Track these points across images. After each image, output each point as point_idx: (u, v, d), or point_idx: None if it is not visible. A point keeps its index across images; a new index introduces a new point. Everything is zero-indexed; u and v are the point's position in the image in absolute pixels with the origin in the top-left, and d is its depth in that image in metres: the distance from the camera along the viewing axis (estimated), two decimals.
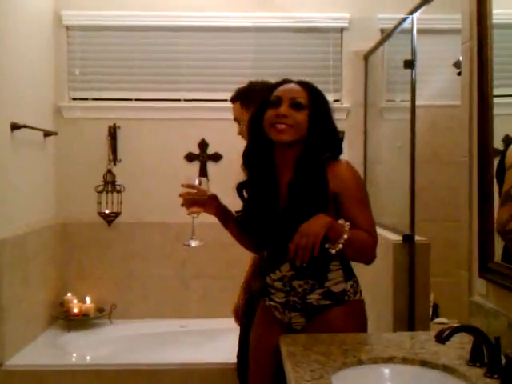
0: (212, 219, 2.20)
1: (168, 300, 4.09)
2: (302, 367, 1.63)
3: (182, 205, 2.10)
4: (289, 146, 2.05)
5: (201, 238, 2.18)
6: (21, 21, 3.44)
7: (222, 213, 2.18)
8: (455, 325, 1.59)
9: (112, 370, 3.15)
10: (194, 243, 2.18)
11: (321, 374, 1.57)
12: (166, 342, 3.74)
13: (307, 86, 2.09)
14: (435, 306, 3.70)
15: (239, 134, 2.67)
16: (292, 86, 2.08)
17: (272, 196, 2.10)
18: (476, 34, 1.96)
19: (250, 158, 2.15)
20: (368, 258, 2.04)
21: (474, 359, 1.64)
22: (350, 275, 2.09)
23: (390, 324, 3.03)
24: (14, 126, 3.28)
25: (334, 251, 1.91)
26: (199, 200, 2.09)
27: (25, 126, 3.34)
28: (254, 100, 2.30)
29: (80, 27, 4.09)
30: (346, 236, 1.90)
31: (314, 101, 2.06)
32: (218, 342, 3.71)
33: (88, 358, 3.49)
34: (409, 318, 2.99)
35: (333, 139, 2.10)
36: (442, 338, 1.55)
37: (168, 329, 3.92)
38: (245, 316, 2.67)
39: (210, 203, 2.12)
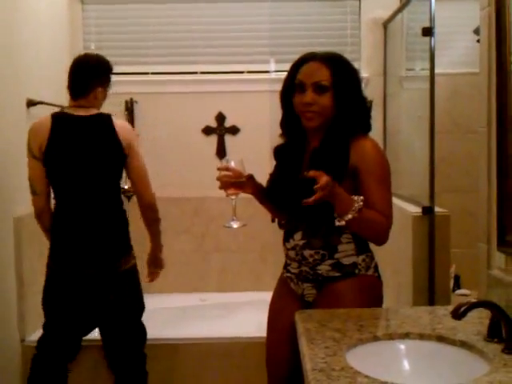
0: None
1: (188, 274, 4.11)
2: (317, 344, 1.61)
3: (221, 188, 2.11)
4: None
5: (243, 222, 2.24)
6: None
7: (258, 191, 2.20)
8: (472, 300, 1.56)
9: None
10: (235, 224, 2.23)
11: (335, 351, 1.56)
12: (186, 315, 3.76)
13: (330, 62, 2.06)
14: (457, 278, 3.68)
15: None
16: (314, 65, 2.06)
17: (296, 163, 2.13)
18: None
19: (284, 128, 2.22)
20: (377, 240, 2.04)
21: (492, 335, 1.60)
22: (362, 249, 2.08)
23: (409, 296, 3.02)
24: (30, 103, 3.27)
25: (336, 223, 1.90)
26: (237, 182, 2.10)
27: (41, 103, 3.33)
28: None
29: (95, 1, 4.07)
30: (350, 216, 1.88)
31: (338, 78, 2.04)
32: (239, 315, 3.73)
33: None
34: (429, 290, 2.97)
35: (361, 112, 2.10)
36: (458, 314, 1.53)
37: (188, 303, 3.94)
38: None
39: (248, 184, 2.13)
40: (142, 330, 2.88)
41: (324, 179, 1.81)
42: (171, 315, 3.78)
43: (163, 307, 3.88)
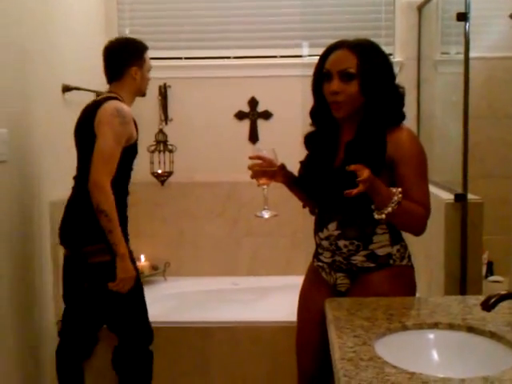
0: None
1: (220, 258, 4.15)
2: (346, 333, 1.63)
3: (252, 177, 2.13)
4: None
5: (275, 212, 2.23)
6: None
7: (289, 180, 2.22)
8: (502, 292, 1.56)
9: (166, 328, 3.22)
10: (266, 214, 2.23)
11: (364, 340, 1.57)
12: (218, 299, 3.80)
13: (357, 49, 2.03)
14: (490, 264, 3.65)
15: None
16: (341, 53, 2.04)
17: (329, 154, 2.14)
18: None
19: (315, 117, 2.21)
20: (416, 231, 2.04)
21: None
22: (396, 239, 2.08)
23: (441, 283, 3.01)
24: (66, 88, 3.32)
25: (376, 217, 1.91)
26: (268, 171, 2.11)
27: (76, 88, 3.38)
28: None
29: None
30: (390, 209, 1.89)
31: (365, 65, 2.01)
32: (270, 299, 3.76)
33: None
34: (461, 277, 2.96)
35: (392, 100, 2.07)
36: (488, 306, 1.53)
37: (220, 286, 3.98)
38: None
39: (279, 173, 2.15)
40: (138, 329, 2.83)
41: (366, 172, 1.82)
42: (204, 298, 3.83)
43: (195, 290, 3.93)
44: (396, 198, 1.90)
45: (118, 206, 2.61)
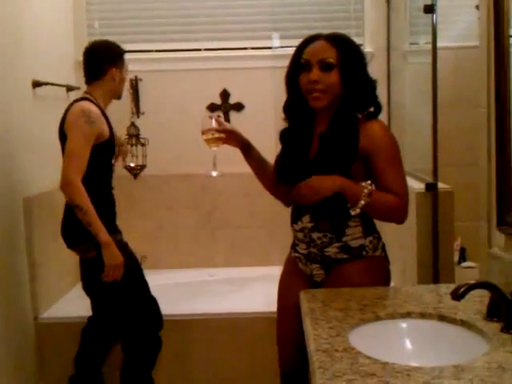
0: (238, 169, 2.42)
1: (197, 250, 4.16)
2: (320, 324, 1.66)
3: (204, 139, 2.27)
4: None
5: (222, 172, 2.35)
6: None
7: (243, 146, 2.31)
8: (471, 282, 1.60)
9: None
10: (214, 173, 2.35)
11: (338, 331, 1.60)
12: (195, 291, 3.81)
13: (336, 41, 2.08)
14: (462, 250, 3.72)
15: None
16: (320, 44, 2.08)
17: (304, 146, 2.17)
18: None
19: (289, 111, 2.23)
20: (396, 219, 2.10)
21: (492, 314, 1.65)
22: (369, 231, 2.12)
23: (414, 271, 3.06)
24: (36, 84, 3.30)
25: (353, 213, 1.96)
26: (220, 138, 2.27)
27: (46, 84, 3.36)
28: None
29: None
30: (363, 202, 1.94)
31: (344, 56, 2.06)
32: (247, 290, 3.78)
33: None
34: (433, 265, 3.01)
35: (368, 93, 2.12)
36: (457, 296, 1.57)
37: (197, 278, 3.99)
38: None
39: (230, 137, 2.27)
40: (142, 314, 2.93)
41: (305, 187, 1.99)
42: (180, 291, 3.83)
43: (172, 283, 3.94)
44: (366, 190, 1.96)
45: (100, 202, 2.72)
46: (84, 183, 2.64)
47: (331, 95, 2.06)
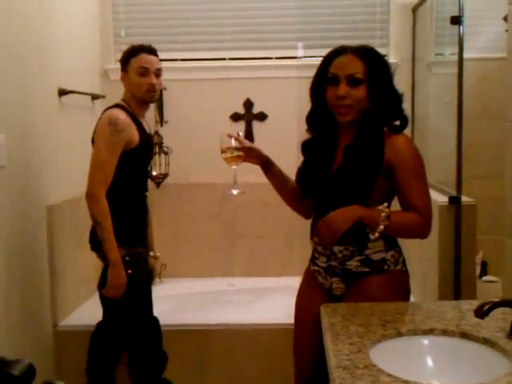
0: (259, 180, 2.38)
1: (216, 259, 4.16)
2: (341, 340, 1.64)
3: (224, 157, 2.29)
4: None
5: (243, 190, 2.36)
6: None
7: (263, 163, 2.30)
8: (495, 300, 1.58)
9: (163, 330, 3.23)
10: (235, 191, 2.34)
11: (359, 347, 1.59)
12: (215, 300, 3.81)
13: (364, 55, 2.07)
14: (484, 264, 3.68)
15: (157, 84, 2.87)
16: (348, 58, 2.06)
17: (327, 158, 2.16)
18: None
19: (312, 122, 2.22)
20: (418, 236, 2.09)
21: None
22: (391, 245, 2.10)
23: (435, 285, 3.04)
24: (62, 92, 3.33)
25: (372, 237, 1.96)
26: (239, 156, 2.27)
27: (72, 92, 3.39)
28: None
29: None
30: (381, 227, 1.94)
31: (372, 71, 2.05)
32: (266, 301, 3.77)
33: None
34: (455, 279, 2.99)
35: (394, 106, 2.11)
36: (481, 313, 1.55)
37: (217, 287, 3.99)
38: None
39: (249, 153, 2.26)
40: (142, 329, 2.90)
41: (319, 229, 2.01)
42: (199, 300, 3.83)
43: (191, 292, 3.95)
44: (383, 214, 1.96)
45: (127, 211, 2.76)
46: (112, 191, 2.67)
47: (358, 110, 2.05)
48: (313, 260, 2.27)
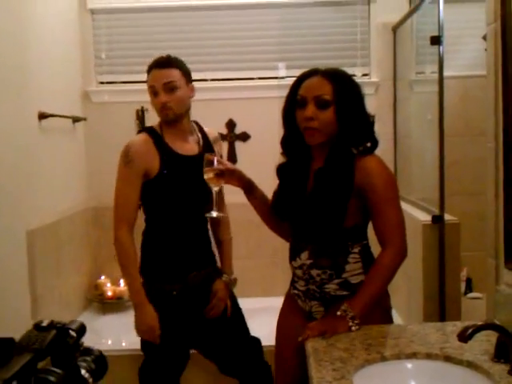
0: (244, 199, 2.31)
1: None
2: (324, 366, 1.63)
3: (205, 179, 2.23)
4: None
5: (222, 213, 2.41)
6: (45, 7, 3.44)
7: (245, 185, 2.26)
8: (478, 323, 1.57)
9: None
10: (215, 214, 2.30)
11: (342, 373, 1.57)
12: None
13: (332, 77, 2.04)
14: (469, 281, 3.68)
15: (170, 101, 2.54)
16: (316, 80, 2.04)
17: (301, 182, 2.13)
18: (500, 17, 1.89)
19: (286, 146, 2.21)
20: (398, 266, 2.06)
21: (499, 355, 1.61)
22: (369, 267, 2.08)
23: (420, 303, 3.03)
24: (42, 116, 3.29)
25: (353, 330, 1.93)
26: (219, 173, 2.21)
27: (53, 115, 3.36)
28: None
29: (104, 10, 4.09)
30: (355, 327, 1.91)
31: (340, 93, 2.02)
32: (251, 321, 3.73)
33: (124, 343, 3.55)
34: (439, 296, 2.99)
35: (364, 128, 2.08)
36: (464, 337, 1.54)
37: None
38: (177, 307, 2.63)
39: (230, 176, 2.22)
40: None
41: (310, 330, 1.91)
42: None
43: None
44: (348, 316, 1.93)
45: (158, 244, 2.62)
46: (147, 225, 2.60)
47: (326, 132, 2.02)
48: (292, 284, 2.24)
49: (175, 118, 2.57)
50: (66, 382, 0.97)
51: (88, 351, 1.10)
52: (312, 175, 2.11)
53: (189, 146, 2.63)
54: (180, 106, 2.57)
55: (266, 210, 2.28)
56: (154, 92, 2.54)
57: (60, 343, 1.00)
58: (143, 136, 2.57)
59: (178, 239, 2.61)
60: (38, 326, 1.03)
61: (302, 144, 2.11)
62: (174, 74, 2.56)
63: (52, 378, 0.94)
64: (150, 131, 2.59)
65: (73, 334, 1.04)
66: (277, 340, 2.30)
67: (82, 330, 1.07)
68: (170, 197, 2.56)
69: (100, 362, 1.11)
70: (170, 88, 2.53)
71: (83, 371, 1.04)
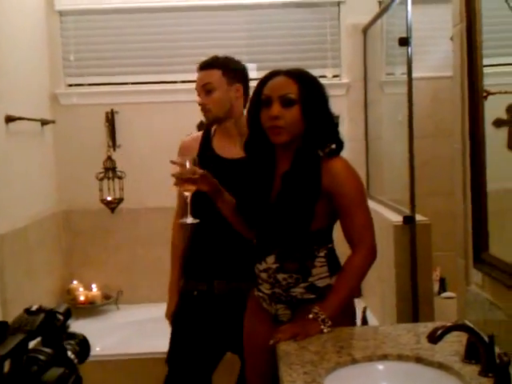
0: None
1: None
2: (295, 369, 1.62)
3: (175, 184, 2.16)
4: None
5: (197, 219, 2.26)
6: (12, 8, 3.39)
7: (214, 189, 2.19)
8: (448, 324, 1.57)
9: (120, 360, 3.17)
10: (189, 220, 2.25)
11: (313, 377, 1.56)
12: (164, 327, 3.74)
13: (297, 77, 2.03)
14: (442, 280, 3.70)
15: (207, 103, 2.53)
16: (280, 79, 2.03)
17: (265, 186, 2.10)
18: (465, 18, 1.90)
19: (250, 149, 2.17)
20: (369, 268, 2.06)
21: (470, 356, 1.62)
22: (335, 270, 2.07)
23: (393, 303, 3.04)
24: (9, 119, 3.24)
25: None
26: (191, 178, 2.12)
27: (20, 118, 3.31)
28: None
29: (72, 12, 4.03)
30: (327, 329, 1.91)
31: (305, 92, 2.01)
32: None
33: (98, 348, 3.50)
34: (412, 296, 3.00)
35: (329, 128, 2.07)
36: (434, 339, 1.54)
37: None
38: (178, 315, 2.70)
39: (202, 180, 2.14)
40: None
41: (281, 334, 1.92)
42: (158, 326, 3.72)
43: (149, 318, 3.84)
44: (320, 319, 1.93)
45: (196, 233, 2.63)
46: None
47: (292, 131, 2.01)
48: (256, 285, 2.22)
49: (215, 119, 2.56)
50: (55, 360, 1.07)
51: (72, 335, 1.20)
52: (277, 178, 2.08)
53: (234, 149, 2.48)
54: (218, 108, 2.52)
55: (236, 215, 2.25)
56: (198, 94, 2.59)
57: (49, 325, 1.10)
58: (196, 134, 2.69)
59: (205, 239, 2.58)
60: (28, 311, 1.13)
61: (267, 146, 2.08)
62: (212, 76, 2.55)
63: (42, 357, 1.05)
64: (206, 130, 2.63)
65: (60, 316, 1.14)
66: (245, 345, 2.25)
67: (68, 313, 1.17)
68: (200, 196, 2.42)
69: (83, 344, 1.20)
70: (207, 90, 2.53)
71: (69, 353, 1.14)
